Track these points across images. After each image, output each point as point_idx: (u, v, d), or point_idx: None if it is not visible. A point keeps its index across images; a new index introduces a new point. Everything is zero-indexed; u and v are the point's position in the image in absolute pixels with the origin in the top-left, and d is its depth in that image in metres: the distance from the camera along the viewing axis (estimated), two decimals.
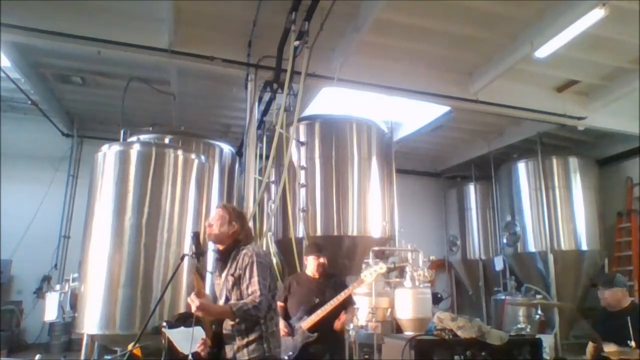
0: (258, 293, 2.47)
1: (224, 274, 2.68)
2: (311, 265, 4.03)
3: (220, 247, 2.74)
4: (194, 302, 2.35)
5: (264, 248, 6.30)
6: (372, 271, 3.97)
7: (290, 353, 3.69)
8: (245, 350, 2.52)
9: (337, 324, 3.85)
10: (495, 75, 6.49)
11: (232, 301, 2.55)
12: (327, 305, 3.71)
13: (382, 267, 4.03)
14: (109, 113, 8.09)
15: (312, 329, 3.71)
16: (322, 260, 4.01)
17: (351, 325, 4.43)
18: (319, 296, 3.82)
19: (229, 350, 2.57)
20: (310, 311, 3.76)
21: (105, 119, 8.45)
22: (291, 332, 3.77)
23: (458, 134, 9.59)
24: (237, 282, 2.58)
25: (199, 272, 2.50)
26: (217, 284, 2.77)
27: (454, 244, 10.70)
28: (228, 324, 2.58)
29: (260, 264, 2.57)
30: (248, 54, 5.93)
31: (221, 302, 2.65)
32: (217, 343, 2.57)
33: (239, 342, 2.54)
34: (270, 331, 2.59)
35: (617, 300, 3.70)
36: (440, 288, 10.10)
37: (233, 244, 2.70)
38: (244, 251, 2.64)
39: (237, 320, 2.50)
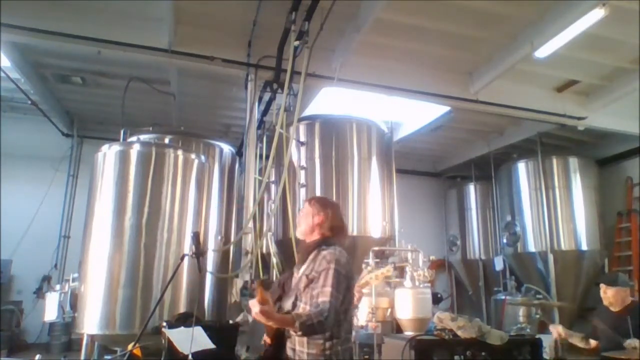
0: (327, 306, 2.23)
1: (301, 270, 2.51)
2: None
3: (306, 241, 2.60)
4: (254, 308, 2.19)
5: (264, 248, 6.31)
6: (378, 273, 3.95)
7: None
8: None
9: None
10: (495, 75, 6.49)
11: (301, 303, 2.39)
12: None
13: (388, 269, 4.00)
14: (109, 113, 8.09)
15: None
16: None
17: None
18: None
19: (289, 350, 2.38)
20: None
21: (105, 119, 8.45)
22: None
23: (458, 134, 9.59)
24: (309, 284, 2.38)
25: (264, 284, 2.40)
26: (294, 277, 2.59)
27: (454, 244, 10.70)
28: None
29: (338, 273, 2.33)
30: (248, 54, 5.94)
31: (290, 301, 2.48)
32: (277, 342, 2.41)
33: (299, 348, 2.34)
34: (334, 350, 2.31)
35: (620, 300, 3.70)
36: (440, 288, 10.09)
37: (316, 241, 2.52)
38: (324, 252, 2.43)
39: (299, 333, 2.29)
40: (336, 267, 2.34)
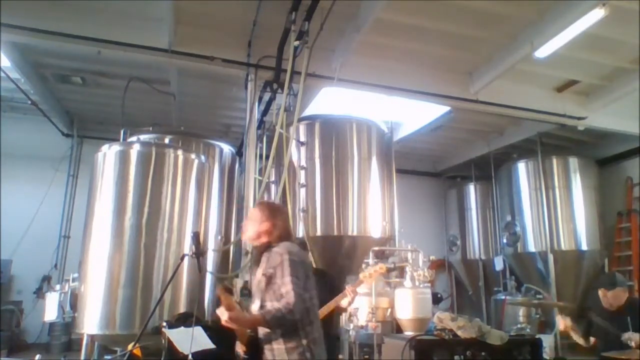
0: (292, 294, 2.28)
1: (258, 273, 2.57)
2: None
3: (255, 245, 2.65)
4: (223, 316, 2.24)
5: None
6: (371, 271, 3.95)
7: None
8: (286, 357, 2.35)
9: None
10: (495, 75, 6.49)
11: (267, 302, 2.41)
12: (324, 308, 3.63)
13: (381, 266, 4.01)
14: (109, 113, 8.09)
15: None
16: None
17: (351, 325, 4.41)
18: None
19: (268, 352, 2.39)
20: None
21: (105, 119, 8.45)
22: None
23: (458, 134, 9.59)
24: (270, 281, 2.42)
25: (226, 288, 2.42)
26: (253, 283, 2.64)
27: (454, 244, 10.70)
28: (265, 330, 2.41)
29: (293, 262, 2.39)
30: (248, 54, 5.93)
31: (255, 304, 2.51)
32: (252, 348, 2.43)
33: (276, 346, 2.37)
34: (311, 338, 2.38)
35: (620, 300, 3.72)
36: (440, 288, 10.09)
37: (266, 244, 2.58)
38: (275, 249, 2.50)
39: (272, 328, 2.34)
40: (290, 256, 2.40)
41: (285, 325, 2.29)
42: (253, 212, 2.66)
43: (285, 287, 2.32)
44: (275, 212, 2.66)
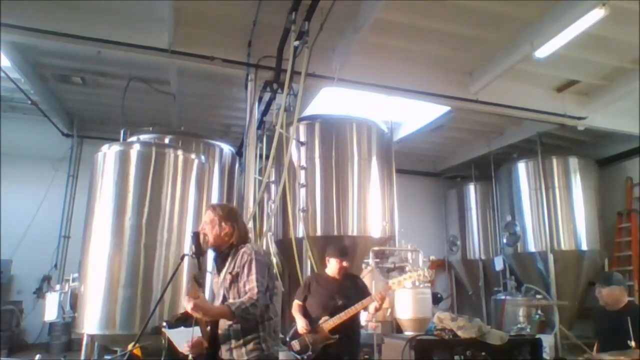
0: (255, 290, 2.41)
1: (222, 273, 2.64)
2: (333, 267, 3.93)
3: (217, 248, 2.69)
4: (189, 303, 2.30)
5: (264, 248, 6.33)
6: (400, 279, 3.92)
7: (310, 353, 3.67)
8: (243, 350, 2.47)
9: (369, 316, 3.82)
10: (495, 75, 6.49)
11: (230, 299, 2.50)
12: (352, 308, 3.64)
13: (410, 275, 3.96)
14: (109, 113, 8.09)
15: (333, 330, 3.65)
16: (345, 264, 3.91)
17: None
18: (342, 298, 3.74)
19: (224, 351, 2.51)
20: (332, 312, 3.69)
21: (105, 119, 8.45)
22: (311, 331, 3.73)
23: (458, 134, 9.59)
24: (235, 279, 2.53)
25: (197, 279, 2.47)
26: (215, 282, 2.73)
27: (454, 244, 10.70)
28: (225, 324, 2.52)
29: (259, 262, 2.52)
30: (248, 54, 5.93)
31: (218, 301, 2.61)
32: (212, 344, 2.52)
33: (235, 342, 2.49)
34: (267, 332, 2.53)
35: (615, 299, 3.68)
36: (440, 288, 10.09)
37: (229, 245, 2.65)
38: (243, 249, 2.59)
39: (235, 320, 2.43)
40: (257, 257, 2.53)
41: (249, 318, 2.41)
42: (210, 216, 2.67)
43: (250, 284, 2.45)
44: (233, 214, 2.73)
